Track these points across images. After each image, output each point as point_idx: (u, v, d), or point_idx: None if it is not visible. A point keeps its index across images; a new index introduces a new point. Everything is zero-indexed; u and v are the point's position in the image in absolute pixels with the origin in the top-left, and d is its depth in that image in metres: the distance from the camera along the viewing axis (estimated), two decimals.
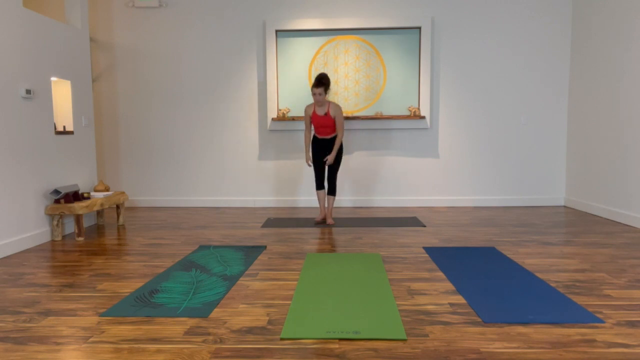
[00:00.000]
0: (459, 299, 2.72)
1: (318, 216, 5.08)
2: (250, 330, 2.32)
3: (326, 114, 4.79)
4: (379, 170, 6.19)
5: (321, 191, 5.02)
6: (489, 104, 6.08)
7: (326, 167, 4.99)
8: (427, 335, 2.24)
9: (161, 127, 6.26)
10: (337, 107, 4.82)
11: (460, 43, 6.01)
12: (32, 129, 4.23)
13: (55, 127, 4.62)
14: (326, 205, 5.03)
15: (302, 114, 6.00)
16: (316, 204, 6.16)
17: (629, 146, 4.82)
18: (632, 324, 2.35)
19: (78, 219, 4.38)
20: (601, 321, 2.38)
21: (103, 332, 2.32)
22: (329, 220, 4.99)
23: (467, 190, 6.19)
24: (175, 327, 2.37)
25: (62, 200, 4.37)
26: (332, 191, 4.97)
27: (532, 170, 6.14)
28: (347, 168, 6.17)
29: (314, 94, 4.72)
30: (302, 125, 6.06)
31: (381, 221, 5.14)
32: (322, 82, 4.71)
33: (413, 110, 5.99)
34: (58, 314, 2.56)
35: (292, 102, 6.09)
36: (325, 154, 4.93)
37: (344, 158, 6.14)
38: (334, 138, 4.91)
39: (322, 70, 6.02)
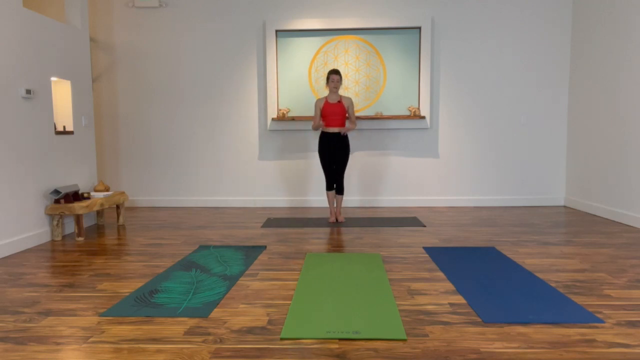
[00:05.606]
0: (459, 299, 2.72)
1: (330, 217, 5.15)
2: (250, 330, 2.32)
3: (339, 102, 4.99)
4: (379, 171, 6.19)
5: (331, 192, 5.10)
6: (489, 104, 6.08)
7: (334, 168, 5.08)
8: (427, 335, 2.24)
9: (161, 127, 6.26)
10: (350, 99, 5.09)
11: (460, 43, 6.01)
12: (32, 129, 4.23)
13: (55, 127, 4.62)
14: (335, 204, 5.14)
15: (302, 114, 6.03)
16: (316, 204, 6.17)
17: (629, 146, 4.82)
18: (632, 324, 2.35)
19: (78, 219, 4.38)
20: (601, 321, 2.38)
21: (103, 332, 2.32)
22: (340, 218, 5.14)
23: (467, 190, 6.18)
24: (175, 327, 2.37)
25: (62, 200, 4.37)
26: (340, 190, 5.10)
27: (532, 170, 6.14)
28: (347, 168, 6.16)
29: (332, 80, 4.95)
30: (302, 126, 6.05)
31: (381, 221, 5.14)
32: (339, 72, 5.02)
33: (413, 110, 5.99)
34: (58, 314, 2.56)
35: (292, 102, 6.09)
36: (333, 152, 4.99)
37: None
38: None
39: (322, 70, 6.02)
